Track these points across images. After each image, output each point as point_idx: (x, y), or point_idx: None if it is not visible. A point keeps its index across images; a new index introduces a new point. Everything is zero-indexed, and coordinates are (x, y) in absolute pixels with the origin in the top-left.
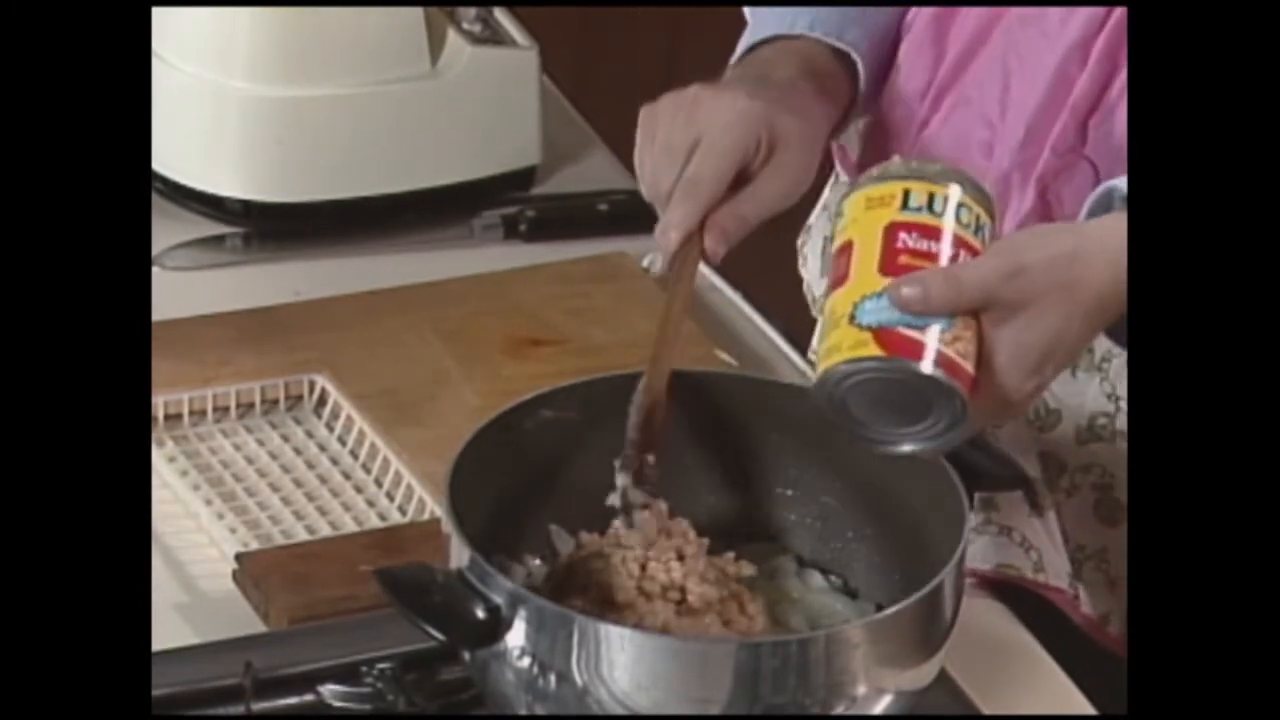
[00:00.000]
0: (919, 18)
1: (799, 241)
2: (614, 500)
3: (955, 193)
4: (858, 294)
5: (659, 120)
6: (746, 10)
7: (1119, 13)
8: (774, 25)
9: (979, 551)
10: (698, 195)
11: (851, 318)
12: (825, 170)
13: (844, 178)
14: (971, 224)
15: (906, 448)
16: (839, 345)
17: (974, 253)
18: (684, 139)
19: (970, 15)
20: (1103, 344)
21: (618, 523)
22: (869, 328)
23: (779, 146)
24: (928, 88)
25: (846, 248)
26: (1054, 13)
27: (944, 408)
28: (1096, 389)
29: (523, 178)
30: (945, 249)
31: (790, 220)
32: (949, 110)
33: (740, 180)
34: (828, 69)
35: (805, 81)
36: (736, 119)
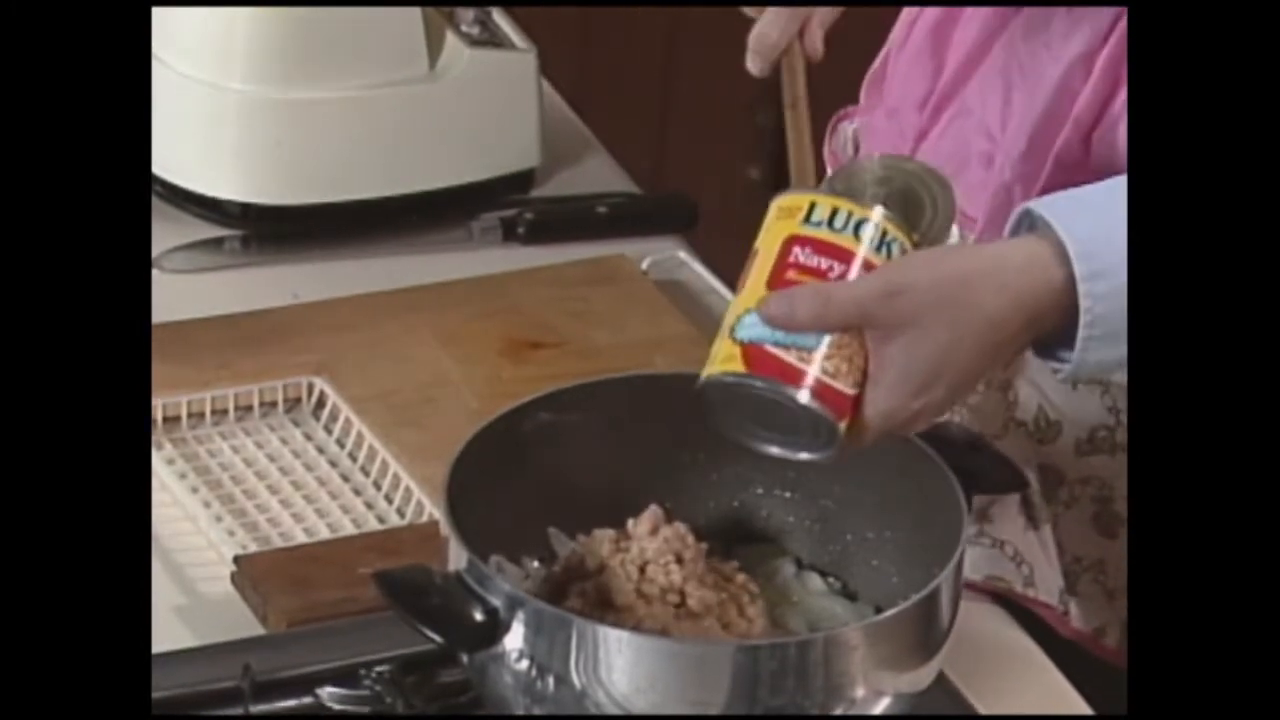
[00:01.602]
0: (918, 29)
1: None
2: None
3: (876, 215)
4: (743, 306)
5: None
6: None
7: (1123, 25)
8: None
9: (971, 562)
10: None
11: (732, 330)
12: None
13: None
14: (889, 250)
15: (776, 451)
16: (715, 356)
17: (864, 267)
18: None
19: (971, 27)
20: None
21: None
22: (741, 342)
23: None
24: (926, 98)
25: (752, 255)
26: (1057, 25)
27: (812, 427)
28: (1098, 402)
29: (521, 180)
30: (850, 270)
31: None
32: (948, 121)
33: None
34: None
35: None
36: None
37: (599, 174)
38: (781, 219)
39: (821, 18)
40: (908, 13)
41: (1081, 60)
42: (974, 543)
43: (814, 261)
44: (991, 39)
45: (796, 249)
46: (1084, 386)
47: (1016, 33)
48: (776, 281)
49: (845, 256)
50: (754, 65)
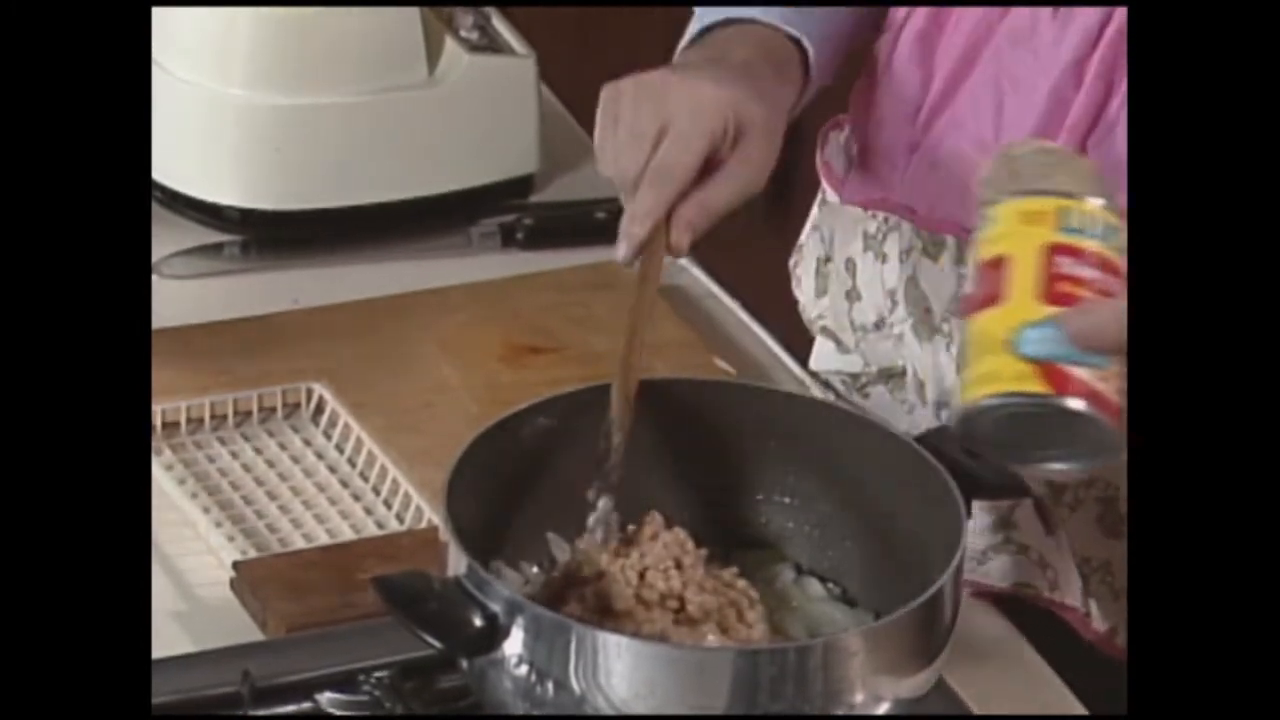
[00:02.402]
0: (904, 37)
1: (791, 262)
2: (593, 521)
3: (1098, 206)
4: (1017, 319)
5: (623, 104)
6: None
7: (1112, 29)
8: (723, 11)
9: (998, 570)
10: (666, 184)
11: (1011, 345)
12: (810, 190)
13: (831, 196)
14: (1114, 239)
15: (1053, 466)
16: (997, 374)
17: (1117, 273)
18: (651, 125)
19: (958, 35)
20: None
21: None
22: (1033, 359)
23: (745, 134)
24: (917, 110)
25: (999, 262)
26: (1045, 32)
27: (1094, 440)
28: None
29: (520, 186)
30: (1095, 273)
31: (790, 229)
32: (941, 133)
33: (707, 168)
34: (782, 53)
35: (763, 65)
36: (705, 106)
37: (598, 179)
38: (1031, 224)
39: (702, 202)
40: (893, 19)
41: (1072, 67)
42: (1000, 550)
43: (1082, 272)
44: (978, 48)
45: (1060, 258)
46: None
47: (1003, 41)
48: (1051, 295)
49: (1110, 267)
50: (621, 255)
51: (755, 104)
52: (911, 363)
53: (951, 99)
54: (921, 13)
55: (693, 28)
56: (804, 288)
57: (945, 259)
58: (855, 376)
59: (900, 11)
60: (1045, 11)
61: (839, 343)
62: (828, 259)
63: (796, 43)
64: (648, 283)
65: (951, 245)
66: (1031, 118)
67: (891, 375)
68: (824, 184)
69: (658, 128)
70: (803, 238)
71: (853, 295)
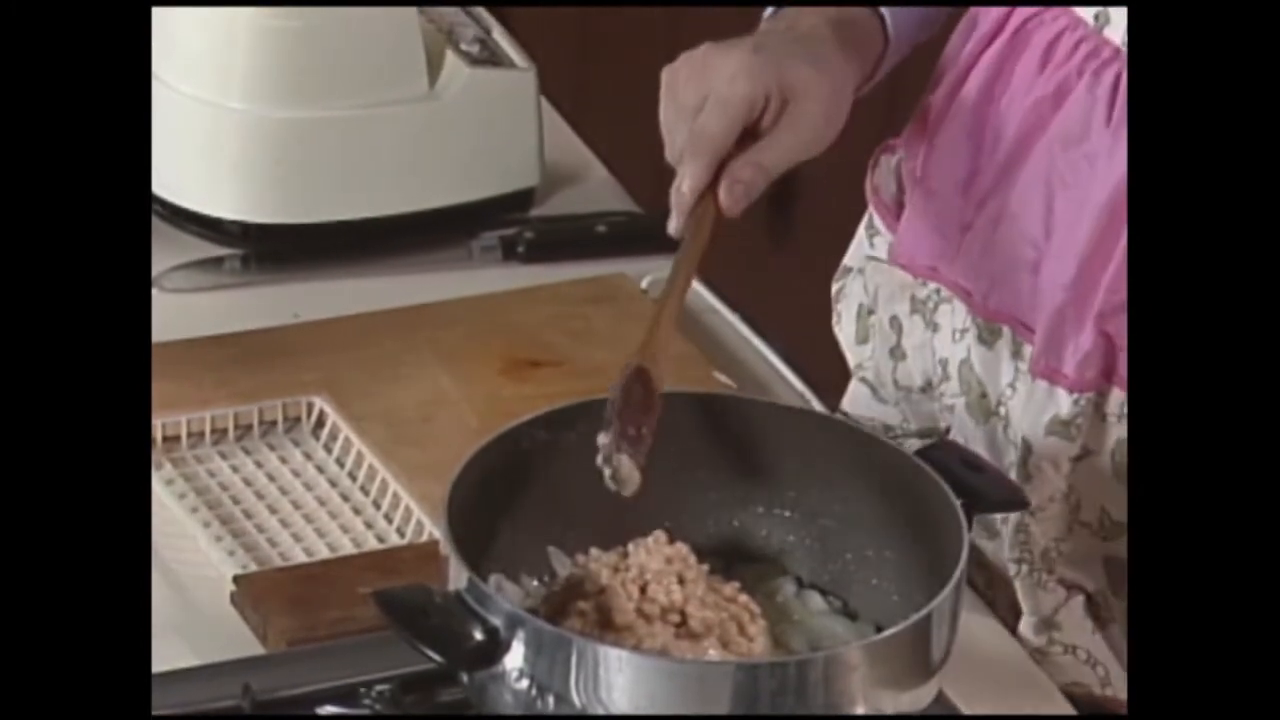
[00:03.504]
0: (958, 104)
1: (834, 290)
2: (600, 462)
3: None
4: None
5: (676, 81)
6: None
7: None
8: None
9: (1049, 671)
10: (706, 149)
11: None
12: (811, 200)
13: (879, 223)
14: None
15: None
16: None
17: None
18: (694, 96)
19: (1011, 115)
20: None
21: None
22: None
23: (795, 97)
24: (969, 181)
25: None
26: (1097, 141)
27: None
28: None
29: (521, 199)
30: None
31: (791, 242)
32: (993, 219)
33: (754, 134)
34: (854, 18)
35: (829, 31)
36: (741, 71)
37: (599, 193)
38: None
39: (752, 160)
40: (947, 63)
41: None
42: (1046, 652)
43: None
44: (1030, 140)
45: None
46: None
47: (1055, 140)
48: None
49: None
50: (671, 225)
51: (804, 66)
52: (963, 434)
53: (1004, 185)
54: (975, 79)
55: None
56: (844, 329)
57: (1002, 348)
58: (890, 428)
59: (955, 65)
60: (1098, 118)
61: (876, 392)
62: (870, 311)
63: (875, 7)
64: (691, 251)
65: (1008, 336)
66: (1084, 231)
67: (933, 434)
68: (871, 210)
69: (700, 99)
70: (848, 261)
71: (897, 354)
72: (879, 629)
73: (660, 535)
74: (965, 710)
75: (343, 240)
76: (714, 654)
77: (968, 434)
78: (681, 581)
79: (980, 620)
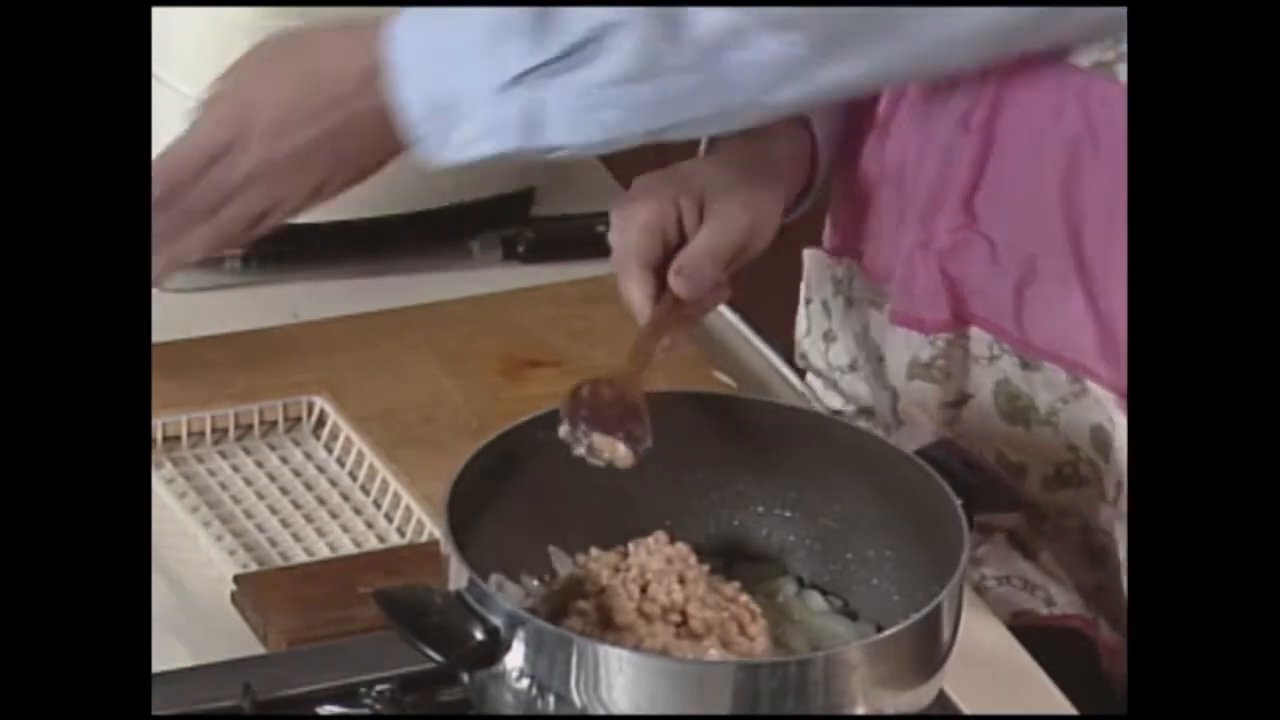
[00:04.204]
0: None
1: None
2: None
3: None
4: None
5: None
6: None
7: (993, 85)
8: None
9: (993, 607)
10: (629, 260)
11: None
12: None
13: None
14: None
15: None
16: None
17: None
18: (616, 227)
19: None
20: (1044, 399)
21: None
22: None
23: (708, 198)
24: (853, 150)
25: None
26: (946, 86)
27: None
28: (1052, 440)
29: (521, 199)
30: None
31: (791, 245)
32: (874, 182)
33: (684, 242)
34: (770, 129)
35: (740, 141)
36: (638, 188)
37: (599, 193)
38: None
39: (689, 250)
40: None
41: (960, 121)
42: (983, 588)
43: None
44: (900, 100)
45: None
46: (1036, 427)
47: (917, 93)
48: None
49: None
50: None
51: (707, 167)
52: (878, 406)
53: (885, 142)
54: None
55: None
56: (799, 326)
57: (887, 306)
58: (838, 413)
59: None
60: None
61: (823, 379)
62: (808, 300)
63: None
64: (648, 336)
65: (890, 294)
66: (929, 173)
67: (872, 413)
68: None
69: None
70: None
71: (830, 336)
72: (879, 629)
73: (661, 535)
74: (965, 710)
75: (343, 240)
76: (714, 654)
77: (879, 406)
78: (682, 581)
79: (980, 620)
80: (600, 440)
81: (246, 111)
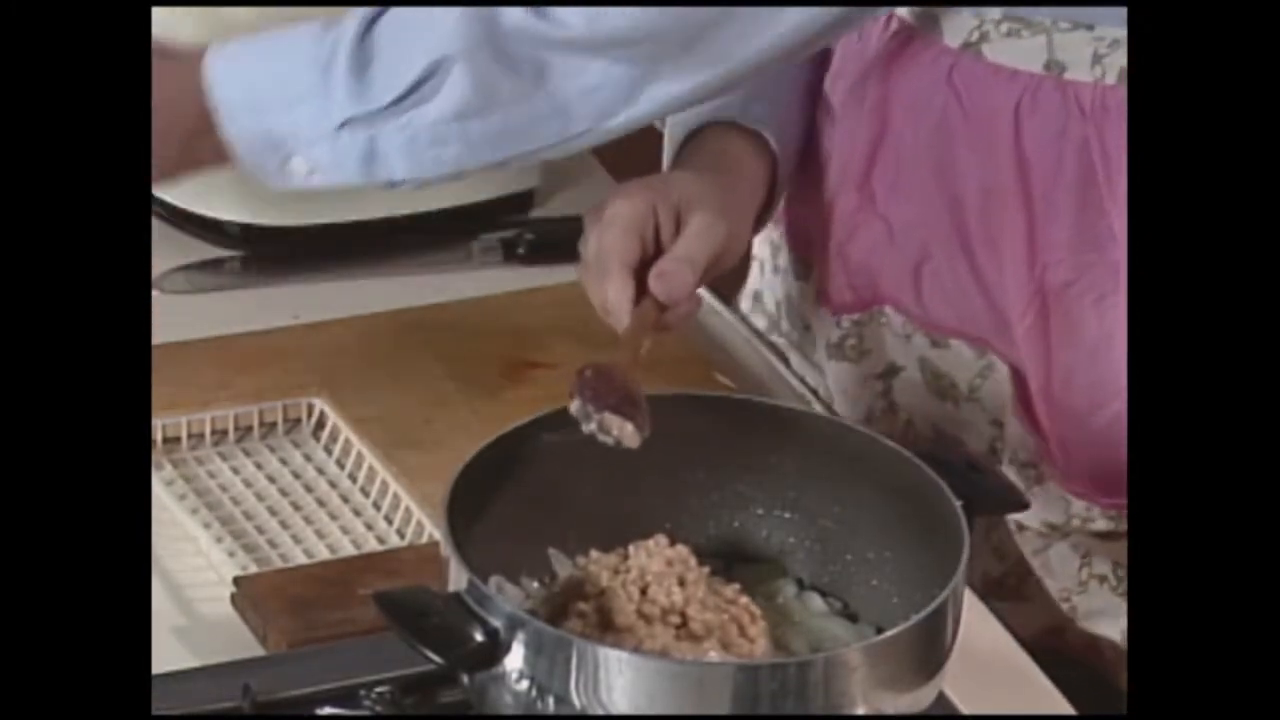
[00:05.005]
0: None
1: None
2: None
3: None
4: None
5: (585, 241)
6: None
7: (881, 67)
8: (685, 123)
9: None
10: (610, 261)
11: None
12: None
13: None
14: None
15: None
16: None
17: None
18: (594, 236)
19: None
20: (962, 377)
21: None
22: None
23: (685, 207)
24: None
25: None
26: (848, 67)
27: None
28: (979, 416)
29: (521, 200)
30: None
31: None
32: (805, 158)
33: (661, 251)
34: (739, 145)
35: (710, 160)
36: (616, 194)
37: (599, 194)
38: None
39: (671, 255)
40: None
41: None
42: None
43: None
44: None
45: None
46: (963, 404)
47: (835, 74)
48: None
49: None
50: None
51: (689, 184)
52: (819, 386)
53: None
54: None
55: (667, 150)
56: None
57: (810, 282)
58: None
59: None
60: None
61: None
62: (754, 256)
63: (757, 134)
64: (626, 343)
65: (816, 271)
66: (838, 158)
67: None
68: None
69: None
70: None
71: (758, 297)
72: (879, 630)
73: (661, 538)
74: (965, 710)
75: (343, 242)
76: (714, 656)
77: (815, 382)
78: (682, 583)
79: (980, 620)
80: (610, 418)
81: None
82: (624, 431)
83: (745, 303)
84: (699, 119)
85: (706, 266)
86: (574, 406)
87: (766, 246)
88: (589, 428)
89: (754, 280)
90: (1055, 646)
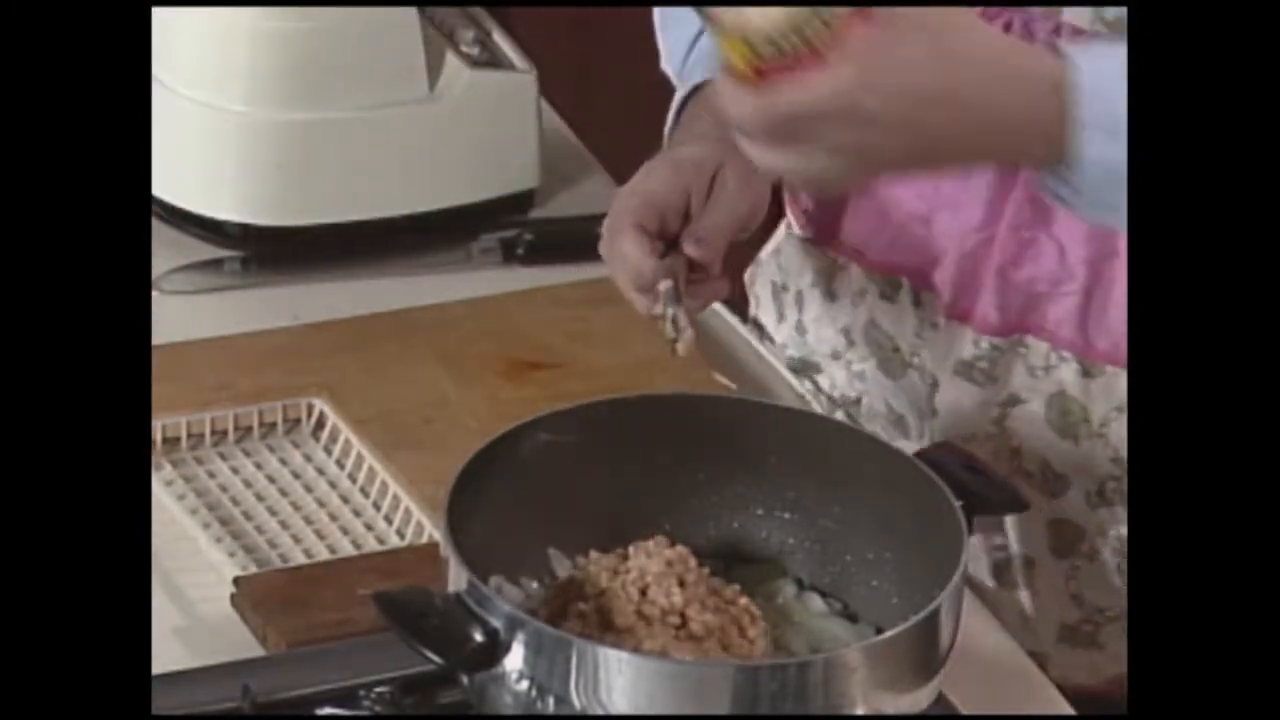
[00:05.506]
0: None
1: (746, 277)
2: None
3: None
4: None
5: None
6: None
7: None
8: (701, 72)
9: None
10: (620, 223)
11: None
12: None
13: (795, 227)
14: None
15: None
16: None
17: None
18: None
19: None
20: (1099, 410)
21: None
22: None
23: (721, 180)
24: None
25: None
26: None
27: None
28: (1100, 454)
29: (521, 201)
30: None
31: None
32: (886, 179)
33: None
34: None
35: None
36: (646, 174)
37: (599, 194)
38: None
39: (703, 224)
40: None
41: None
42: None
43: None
44: None
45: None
46: (1085, 441)
47: None
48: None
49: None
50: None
51: (713, 155)
52: (881, 396)
53: None
54: None
55: (678, 96)
56: (764, 310)
57: (904, 299)
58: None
59: None
60: None
61: (799, 369)
62: (784, 287)
63: None
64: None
65: (907, 286)
66: (975, 179)
67: (846, 404)
68: (789, 214)
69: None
70: (763, 255)
71: (801, 328)
72: (879, 631)
73: (661, 539)
74: (965, 711)
75: (343, 242)
76: (714, 656)
77: (885, 394)
78: (682, 584)
79: (980, 620)
80: (684, 317)
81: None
82: (684, 337)
83: (789, 337)
84: (706, 76)
85: (734, 233)
86: (664, 286)
87: (808, 275)
88: (665, 309)
89: (791, 312)
90: (1120, 696)
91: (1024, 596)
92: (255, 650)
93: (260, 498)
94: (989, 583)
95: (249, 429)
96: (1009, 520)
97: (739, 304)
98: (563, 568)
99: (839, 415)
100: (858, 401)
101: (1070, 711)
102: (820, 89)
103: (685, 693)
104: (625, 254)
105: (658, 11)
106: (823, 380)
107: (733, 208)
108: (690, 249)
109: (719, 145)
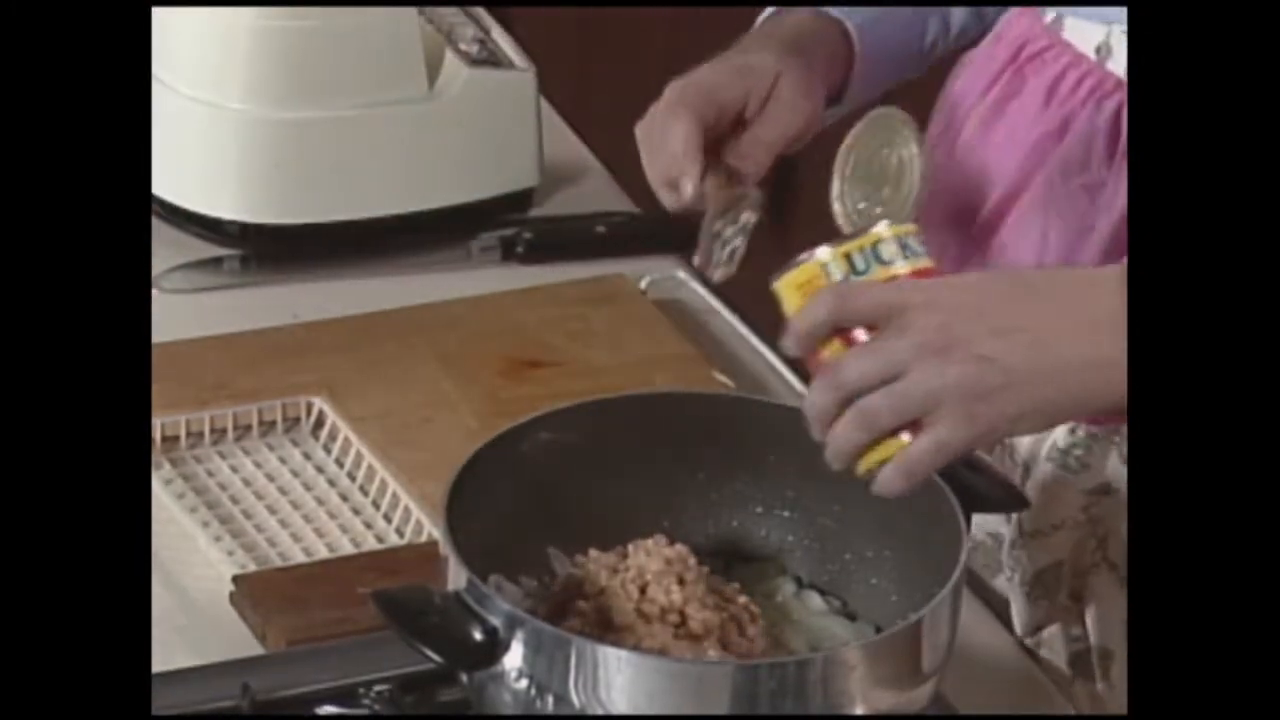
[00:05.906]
0: (959, 145)
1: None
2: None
3: (883, 230)
4: None
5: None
6: None
7: None
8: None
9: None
10: (677, 113)
11: None
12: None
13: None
14: (911, 250)
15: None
16: None
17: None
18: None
19: (1011, 146)
20: None
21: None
22: None
23: (778, 91)
24: (966, 217)
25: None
26: (1097, 169)
27: None
28: None
29: (520, 200)
30: None
31: (790, 244)
32: (987, 250)
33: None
34: (817, 29)
35: (784, 37)
36: (703, 71)
37: (598, 193)
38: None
39: (749, 138)
40: (946, 104)
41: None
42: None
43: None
44: (1031, 174)
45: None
46: None
47: (1055, 169)
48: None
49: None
50: (682, 193)
51: (771, 63)
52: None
53: (1000, 217)
54: (975, 119)
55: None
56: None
57: None
58: None
59: (953, 105)
60: (1098, 148)
61: None
62: None
63: (839, 24)
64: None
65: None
66: (1085, 255)
67: None
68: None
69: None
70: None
71: None
72: (878, 629)
73: (660, 538)
74: (964, 710)
75: (342, 241)
76: (713, 654)
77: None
78: (681, 582)
79: (980, 620)
80: (742, 252)
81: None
82: (729, 269)
83: None
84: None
85: (784, 147)
86: (748, 216)
87: None
88: (733, 237)
89: None
90: None
91: (1101, 688)
92: (254, 649)
93: (259, 496)
94: (1066, 672)
95: (248, 427)
96: (1089, 613)
97: (739, 304)
98: (562, 566)
99: None
100: None
101: (1070, 710)
102: None
103: (684, 691)
104: (672, 139)
105: None
106: None
107: (787, 122)
108: (735, 159)
109: (783, 57)
